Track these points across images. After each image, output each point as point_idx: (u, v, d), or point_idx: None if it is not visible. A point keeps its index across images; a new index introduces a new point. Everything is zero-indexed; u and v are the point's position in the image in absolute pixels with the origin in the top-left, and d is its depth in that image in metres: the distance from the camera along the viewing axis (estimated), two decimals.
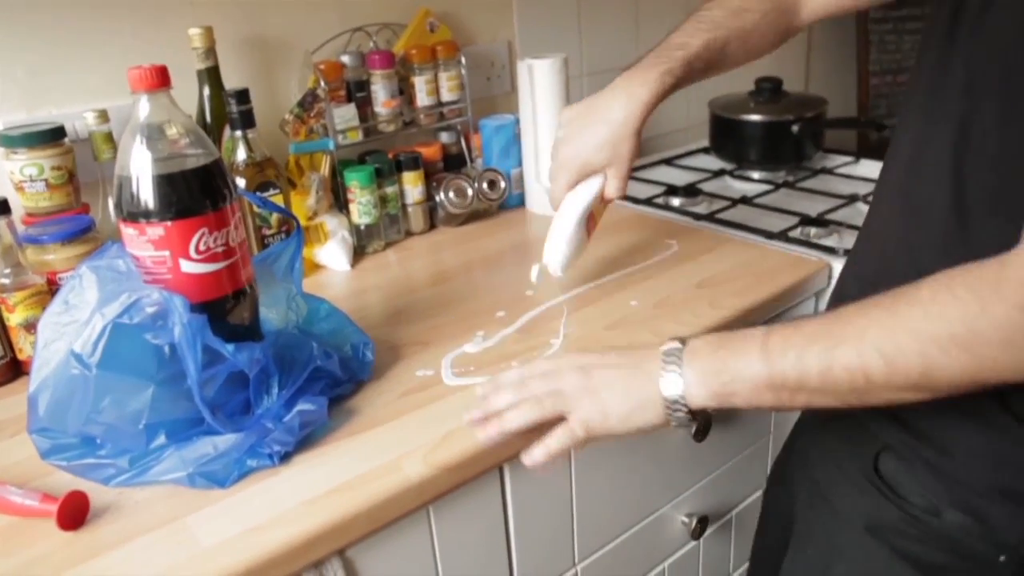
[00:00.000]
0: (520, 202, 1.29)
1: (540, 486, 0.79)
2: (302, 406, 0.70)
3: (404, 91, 1.20)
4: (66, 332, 0.63)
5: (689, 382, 0.62)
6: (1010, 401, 0.59)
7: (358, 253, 1.13)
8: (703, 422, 0.79)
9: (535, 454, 0.66)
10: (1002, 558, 0.62)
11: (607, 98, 0.85)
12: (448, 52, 1.21)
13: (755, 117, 1.42)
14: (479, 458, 0.69)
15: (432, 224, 1.22)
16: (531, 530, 0.80)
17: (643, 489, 0.91)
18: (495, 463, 0.72)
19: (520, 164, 1.27)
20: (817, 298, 1.03)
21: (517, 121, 1.25)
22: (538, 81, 1.18)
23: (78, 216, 0.89)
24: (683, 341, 0.65)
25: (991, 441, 0.61)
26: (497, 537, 0.78)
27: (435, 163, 1.23)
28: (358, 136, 1.16)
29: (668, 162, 1.54)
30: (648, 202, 1.28)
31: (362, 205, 1.11)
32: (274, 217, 0.99)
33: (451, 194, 1.19)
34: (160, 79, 0.63)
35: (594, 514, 0.86)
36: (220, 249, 0.66)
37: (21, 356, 0.84)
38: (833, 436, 0.73)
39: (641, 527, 0.92)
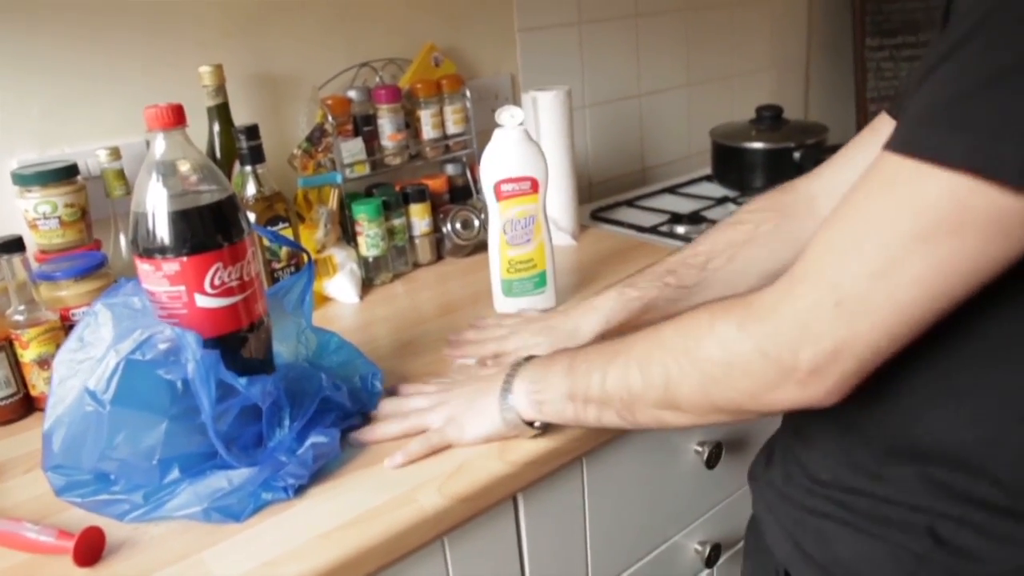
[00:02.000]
0: None
1: (554, 516, 0.79)
2: (315, 438, 0.70)
3: (410, 124, 1.22)
4: (81, 369, 0.64)
5: (517, 394, 0.68)
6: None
7: (366, 285, 1.14)
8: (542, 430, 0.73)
9: (396, 458, 0.70)
10: None
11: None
12: (453, 86, 1.23)
13: (757, 145, 1.43)
14: (493, 488, 0.69)
15: (439, 255, 1.23)
16: (545, 560, 0.80)
17: (656, 517, 0.91)
18: (509, 493, 0.72)
19: None
20: None
21: None
22: (542, 113, 1.20)
23: (90, 252, 0.90)
24: (530, 358, 0.71)
25: None
26: (512, 567, 0.77)
27: (441, 195, 1.24)
28: (365, 169, 1.17)
29: (671, 190, 1.55)
30: (652, 230, 1.29)
31: (370, 238, 1.12)
32: (283, 251, 1.00)
33: (458, 225, 1.20)
34: (176, 118, 0.65)
35: (608, 543, 0.86)
36: (235, 283, 0.67)
37: (34, 392, 0.84)
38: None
39: (655, 555, 0.92)
